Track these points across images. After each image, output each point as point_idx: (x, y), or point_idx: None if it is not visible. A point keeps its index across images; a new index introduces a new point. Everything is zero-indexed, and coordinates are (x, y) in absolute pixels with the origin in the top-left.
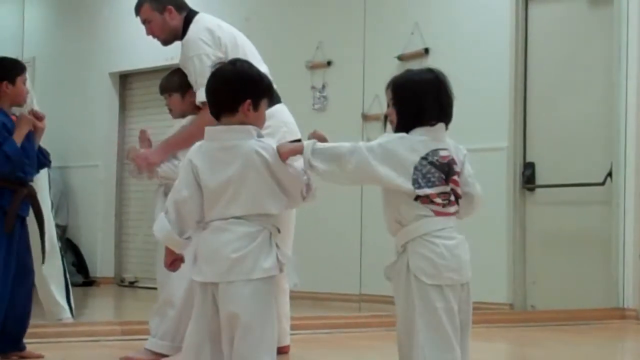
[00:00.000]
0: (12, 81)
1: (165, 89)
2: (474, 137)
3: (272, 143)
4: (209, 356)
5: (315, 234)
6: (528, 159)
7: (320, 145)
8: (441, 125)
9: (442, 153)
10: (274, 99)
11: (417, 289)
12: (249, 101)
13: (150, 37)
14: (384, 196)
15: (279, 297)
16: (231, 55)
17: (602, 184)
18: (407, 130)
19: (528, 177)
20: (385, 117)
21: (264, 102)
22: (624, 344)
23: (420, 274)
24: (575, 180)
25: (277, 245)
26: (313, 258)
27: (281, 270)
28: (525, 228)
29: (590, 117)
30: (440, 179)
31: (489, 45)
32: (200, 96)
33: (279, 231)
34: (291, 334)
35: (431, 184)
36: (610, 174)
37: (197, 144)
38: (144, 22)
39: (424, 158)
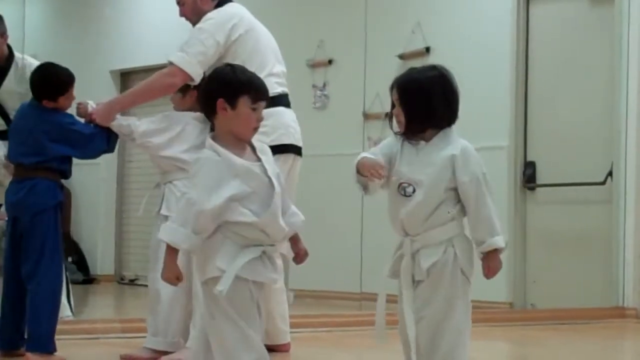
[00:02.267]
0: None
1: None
2: (474, 136)
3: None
4: (203, 355)
5: (316, 232)
6: (529, 158)
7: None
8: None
9: None
10: (277, 101)
11: (462, 286)
12: (221, 100)
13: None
14: (440, 191)
15: (274, 296)
16: (238, 46)
17: (603, 183)
18: (417, 130)
19: (529, 177)
20: (388, 115)
21: (243, 100)
22: (624, 343)
23: (466, 271)
24: (575, 180)
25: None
26: (314, 256)
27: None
28: (526, 227)
29: (591, 116)
30: None
31: (490, 44)
32: (172, 55)
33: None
34: (292, 333)
35: None
36: (610, 174)
37: None
38: (178, 3)
39: None
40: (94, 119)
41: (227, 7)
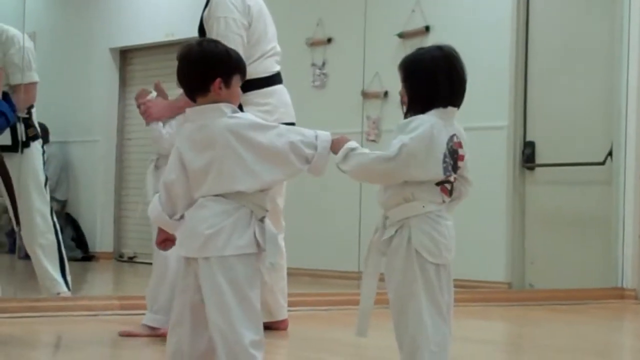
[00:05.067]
0: None
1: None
2: (474, 116)
3: (249, 116)
4: (189, 329)
5: (314, 211)
6: (528, 138)
7: (356, 151)
8: (453, 109)
9: (455, 139)
10: (277, 79)
11: (418, 265)
12: (219, 80)
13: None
14: None
15: (273, 274)
16: (255, 25)
17: (603, 163)
18: (418, 111)
19: (528, 156)
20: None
21: (235, 79)
22: (623, 323)
23: (422, 251)
24: (575, 160)
25: (261, 222)
26: (312, 235)
27: (261, 248)
28: (525, 207)
29: (591, 96)
30: (452, 165)
31: (490, 23)
32: None
33: (266, 210)
34: (289, 311)
35: (449, 171)
36: (610, 154)
37: (181, 126)
38: None
39: (447, 144)
40: (149, 107)
41: None
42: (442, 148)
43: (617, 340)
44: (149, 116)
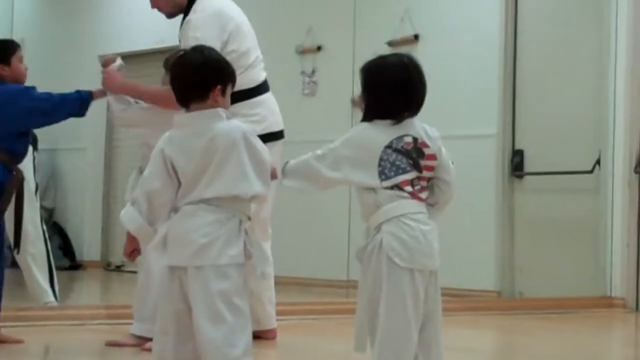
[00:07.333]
0: (7, 62)
1: (165, 65)
2: (463, 124)
3: (240, 124)
4: (173, 338)
5: (303, 220)
6: (517, 146)
7: (289, 164)
8: (407, 116)
9: (407, 139)
10: (264, 87)
11: (387, 271)
12: (219, 87)
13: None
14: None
15: (260, 282)
16: (232, 43)
17: (591, 171)
18: (373, 117)
19: (517, 165)
20: (354, 101)
21: (229, 87)
22: (611, 332)
23: (393, 255)
24: (563, 168)
25: (246, 233)
26: (301, 244)
27: (249, 257)
28: (514, 215)
29: (580, 104)
30: (409, 164)
31: (479, 32)
32: None
33: (249, 219)
34: (278, 320)
35: (402, 171)
36: (598, 162)
37: (167, 133)
38: None
39: (388, 147)
40: (108, 75)
41: (211, 6)
42: (376, 153)
43: (605, 349)
44: (103, 84)
